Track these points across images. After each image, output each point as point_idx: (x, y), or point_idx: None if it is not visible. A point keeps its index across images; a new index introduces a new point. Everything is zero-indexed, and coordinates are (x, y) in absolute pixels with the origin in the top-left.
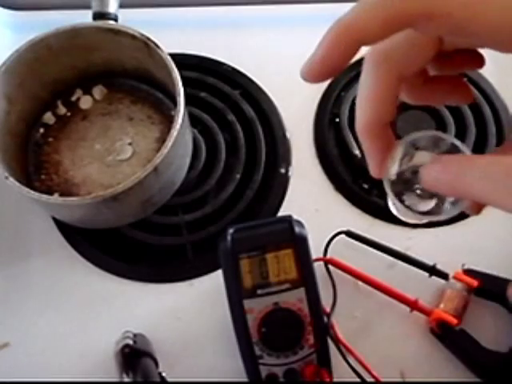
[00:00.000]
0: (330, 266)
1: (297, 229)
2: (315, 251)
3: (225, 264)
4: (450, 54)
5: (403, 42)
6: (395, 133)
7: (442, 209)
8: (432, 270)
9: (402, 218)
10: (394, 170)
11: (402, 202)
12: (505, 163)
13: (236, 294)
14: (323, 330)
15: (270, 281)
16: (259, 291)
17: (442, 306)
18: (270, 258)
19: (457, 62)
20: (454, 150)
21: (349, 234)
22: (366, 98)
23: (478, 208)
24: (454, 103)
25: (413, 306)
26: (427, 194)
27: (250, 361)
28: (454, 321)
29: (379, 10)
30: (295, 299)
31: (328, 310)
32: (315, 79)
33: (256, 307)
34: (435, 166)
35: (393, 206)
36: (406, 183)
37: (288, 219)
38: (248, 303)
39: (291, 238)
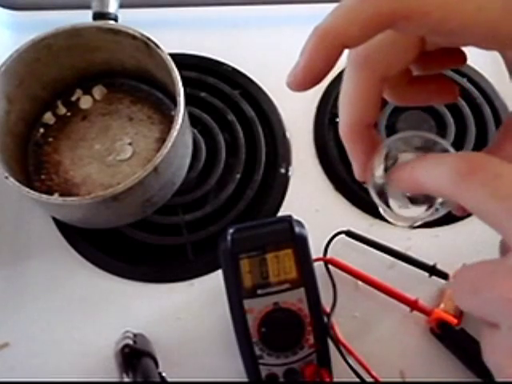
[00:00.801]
0: (330, 266)
1: (297, 229)
2: (315, 251)
3: (225, 264)
4: (433, 53)
5: (385, 42)
6: (395, 134)
7: (431, 210)
8: (432, 270)
9: (392, 221)
10: (379, 172)
11: (388, 205)
12: (448, 160)
13: (236, 294)
14: (323, 329)
15: (270, 281)
16: (259, 291)
17: (442, 305)
18: (270, 258)
19: (439, 61)
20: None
21: (349, 233)
22: (348, 100)
23: (462, 209)
24: (440, 102)
25: (413, 305)
26: (420, 196)
27: (250, 361)
28: (454, 321)
29: (358, 13)
30: (295, 299)
31: (328, 309)
32: (300, 87)
33: (256, 307)
34: (394, 173)
35: (381, 208)
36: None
37: (288, 219)
38: (248, 303)
39: (291, 237)
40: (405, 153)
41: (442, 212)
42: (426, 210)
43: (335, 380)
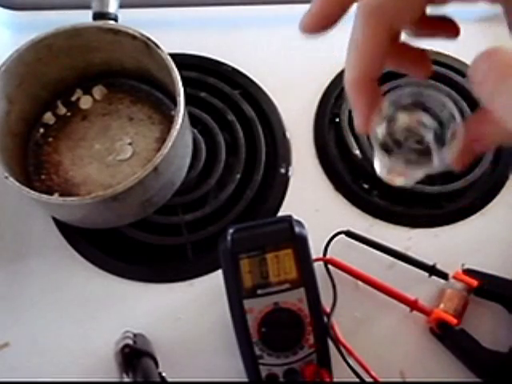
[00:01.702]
0: (330, 266)
1: (297, 229)
2: (315, 251)
3: (225, 264)
4: (429, 19)
5: None
6: None
7: (430, 164)
8: (432, 270)
9: (388, 180)
10: (381, 127)
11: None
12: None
13: (236, 294)
14: (323, 329)
15: (270, 281)
16: (259, 291)
17: (441, 305)
18: (270, 258)
19: (435, 27)
20: (442, 108)
21: (348, 233)
22: (355, 52)
23: (462, 163)
24: (414, 74)
25: (413, 305)
26: (415, 157)
27: (250, 361)
28: (454, 321)
29: None
30: (295, 299)
31: (328, 310)
32: (312, 30)
33: (256, 307)
34: (481, 65)
35: (378, 163)
36: (394, 145)
37: (288, 219)
38: (248, 303)
39: (291, 237)
40: (403, 112)
41: (439, 167)
42: (424, 165)
43: (335, 380)
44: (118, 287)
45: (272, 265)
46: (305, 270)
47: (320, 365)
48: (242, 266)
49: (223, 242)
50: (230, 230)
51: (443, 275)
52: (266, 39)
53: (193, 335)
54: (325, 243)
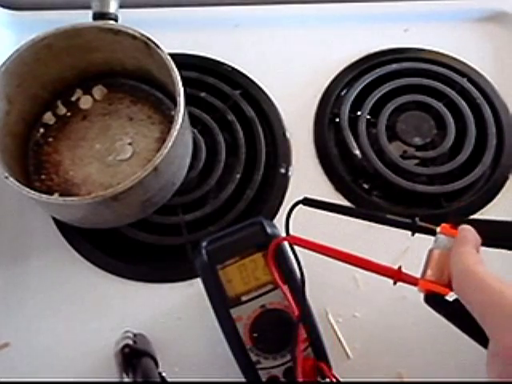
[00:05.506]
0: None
1: (269, 230)
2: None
3: (204, 277)
4: None
5: None
6: (396, 134)
7: None
8: (413, 226)
9: None
10: None
11: None
12: None
13: (221, 306)
14: (313, 321)
15: (252, 285)
16: (243, 298)
17: (429, 272)
18: (248, 263)
19: None
20: None
21: (306, 202)
22: None
23: None
24: None
25: (396, 276)
26: None
27: (248, 369)
28: (445, 290)
29: None
30: (280, 298)
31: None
32: None
33: (244, 314)
34: None
35: None
36: None
37: (259, 221)
38: (235, 312)
39: (265, 239)
40: None
41: None
42: None
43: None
44: (118, 287)
45: (251, 269)
46: (284, 267)
47: (317, 358)
48: (222, 276)
49: (198, 256)
50: (204, 243)
51: (430, 230)
52: (266, 39)
53: (193, 335)
54: (284, 220)
